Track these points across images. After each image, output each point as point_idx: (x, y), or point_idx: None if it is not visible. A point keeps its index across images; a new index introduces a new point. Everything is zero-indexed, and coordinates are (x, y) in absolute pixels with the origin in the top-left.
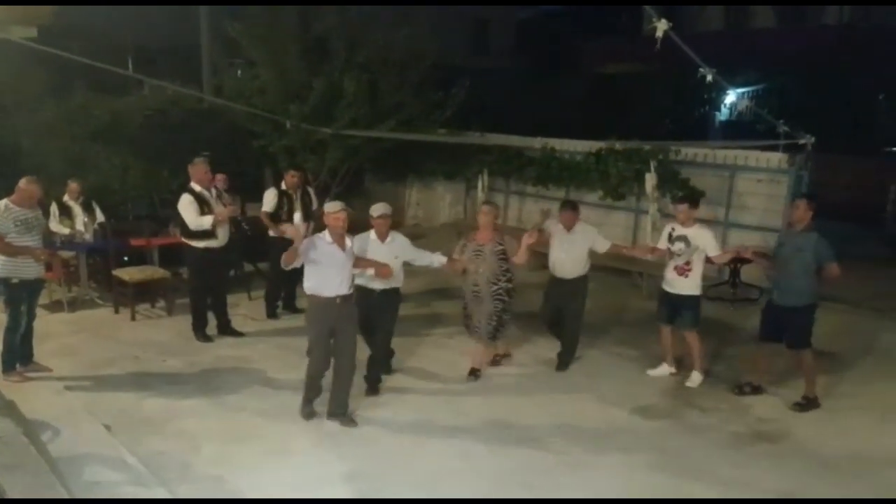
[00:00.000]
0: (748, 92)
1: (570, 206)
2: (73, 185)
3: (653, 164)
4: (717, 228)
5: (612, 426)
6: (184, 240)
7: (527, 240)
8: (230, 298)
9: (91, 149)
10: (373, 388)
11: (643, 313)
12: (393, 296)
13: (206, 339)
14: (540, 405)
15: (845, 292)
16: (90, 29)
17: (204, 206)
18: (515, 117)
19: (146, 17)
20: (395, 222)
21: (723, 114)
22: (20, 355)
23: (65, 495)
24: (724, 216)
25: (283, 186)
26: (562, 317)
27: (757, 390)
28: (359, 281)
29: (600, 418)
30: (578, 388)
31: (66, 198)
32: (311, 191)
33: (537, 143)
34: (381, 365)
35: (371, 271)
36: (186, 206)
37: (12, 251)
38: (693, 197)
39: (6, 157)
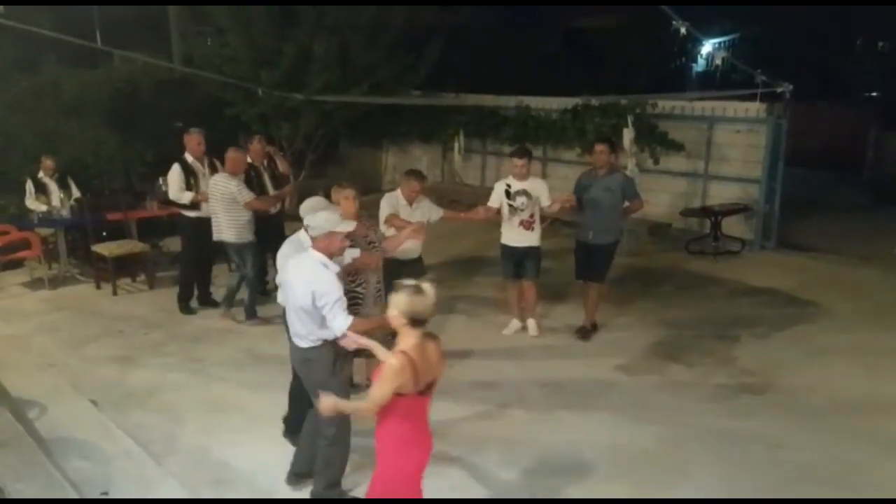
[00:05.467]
0: (724, 42)
1: (415, 175)
2: (48, 162)
3: (630, 119)
4: (696, 181)
5: (595, 383)
6: (177, 209)
7: (409, 233)
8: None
9: (63, 124)
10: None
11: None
12: None
13: (190, 311)
14: (522, 366)
15: (826, 241)
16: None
17: (191, 177)
18: (489, 76)
19: None
20: (372, 188)
21: (699, 65)
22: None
23: (53, 472)
24: (704, 169)
25: (249, 158)
26: None
27: (595, 328)
28: None
29: (584, 376)
30: (559, 347)
31: (40, 174)
32: (277, 159)
33: (512, 101)
34: None
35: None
36: (173, 177)
37: (261, 205)
38: (529, 150)
39: None
